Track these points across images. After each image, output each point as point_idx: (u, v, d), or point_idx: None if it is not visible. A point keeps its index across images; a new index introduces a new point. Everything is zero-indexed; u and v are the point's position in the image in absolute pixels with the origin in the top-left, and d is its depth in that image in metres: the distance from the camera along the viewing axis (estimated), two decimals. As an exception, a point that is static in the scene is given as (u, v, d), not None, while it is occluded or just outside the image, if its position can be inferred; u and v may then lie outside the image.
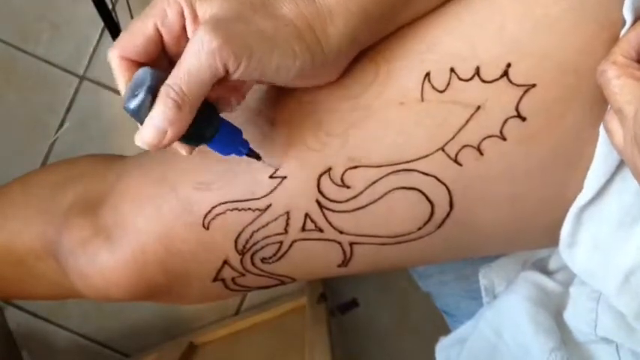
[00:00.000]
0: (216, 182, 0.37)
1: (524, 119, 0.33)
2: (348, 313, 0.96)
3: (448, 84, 0.33)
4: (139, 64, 0.31)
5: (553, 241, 0.37)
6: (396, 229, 0.36)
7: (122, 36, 0.31)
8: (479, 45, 0.33)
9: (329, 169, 0.35)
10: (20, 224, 0.45)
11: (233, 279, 0.40)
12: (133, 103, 0.30)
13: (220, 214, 0.37)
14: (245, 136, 0.35)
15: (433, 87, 0.33)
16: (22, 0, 0.98)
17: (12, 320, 1.02)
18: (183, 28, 0.31)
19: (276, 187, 0.36)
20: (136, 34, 0.31)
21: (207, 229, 0.38)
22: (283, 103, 0.37)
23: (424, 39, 0.34)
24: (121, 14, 0.84)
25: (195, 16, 0.30)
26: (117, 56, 0.31)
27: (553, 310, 0.42)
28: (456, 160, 0.34)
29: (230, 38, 0.28)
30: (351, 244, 0.37)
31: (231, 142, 0.34)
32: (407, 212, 0.36)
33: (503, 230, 0.37)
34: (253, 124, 0.37)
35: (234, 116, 0.37)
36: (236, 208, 0.37)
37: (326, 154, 0.35)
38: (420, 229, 0.36)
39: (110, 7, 0.78)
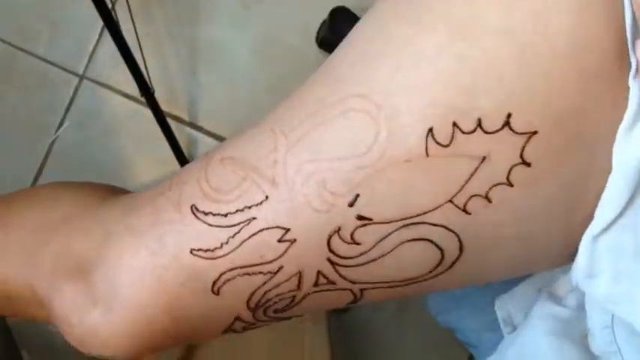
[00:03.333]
0: (221, 248, 0.36)
1: (529, 165, 0.33)
2: (348, 313, 0.96)
3: (452, 138, 0.33)
4: None
5: (562, 263, 0.38)
6: (406, 275, 0.36)
7: None
8: (478, 96, 0.33)
9: (338, 229, 0.35)
10: (6, 270, 0.43)
11: (244, 327, 0.40)
12: None
13: (230, 279, 0.36)
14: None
15: (437, 142, 0.33)
16: (22, 0, 0.98)
17: (12, 320, 1.03)
18: None
19: (286, 251, 0.35)
20: None
21: (218, 294, 0.37)
22: (282, 163, 0.36)
23: (423, 94, 0.34)
24: (121, 14, 0.84)
25: None
26: None
27: (577, 337, 0.42)
28: (464, 210, 0.34)
29: None
30: (362, 290, 0.37)
31: None
32: (417, 260, 0.36)
33: (513, 264, 0.38)
34: (256, 185, 0.37)
35: None
36: (247, 273, 0.36)
37: (334, 214, 0.34)
38: (430, 272, 0.36)
39: (110, 6, 0.79)
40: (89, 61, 0.98)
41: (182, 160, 0.92)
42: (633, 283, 0.34)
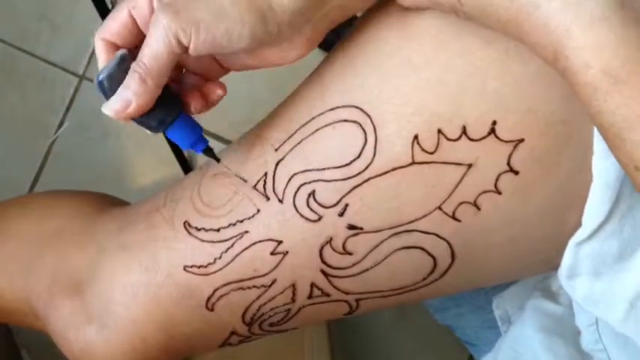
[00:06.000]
0: (215, 264, 0.36)
1: (516, 173, 0.33)
2: (348, 313, 0.95)
3: (437, 145, 0.33)
4: (118, 47, 0.34)
5: (554, 269, 0.38)
6: (400, 284, 0.37)
7: (105, 21, 0.35)
8: (463, 104, 0.33)
9: (330, 240, 0.35)
10: (3, 284, 0.44)
11: (240, 341, 0.40)
12: (100, 76, 0.33)
13: (224, 295, 0.36)
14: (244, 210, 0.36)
15: (423, 149, 0.33)
16: (22, 0, 0.98)
17: (12, 320, 1.02)
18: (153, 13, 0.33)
19: (279, 263, 0.35)
20: (114, 19, 0.34)
21: (212, 310, 0.37)
22: (272, 176, 0.36)
23: (409, 102, 0.34)
24: (121, 14, 0.84)
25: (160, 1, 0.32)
26: (99, 38, 0.34)
27: (568, 335, 0.42)
28: (454, 217, 0.34)
29: (177, 14, 0.31)
30: (357, 300, 0.37)
31: (190, 135, 0.36)
32: (410, 268, 0.36)
33: (505, 270, 0.38)
34: (247, 199, 0.36)
35: None
36: (240, 288, 0.36)
37: (325, 225, 0.35)
38: (424, 279, 0.36)
39: (110, 7, 0.78)
40: (89, 61, 0.98)
41: (182, 160, 0.92)
42: (613, 282, 0.34)
